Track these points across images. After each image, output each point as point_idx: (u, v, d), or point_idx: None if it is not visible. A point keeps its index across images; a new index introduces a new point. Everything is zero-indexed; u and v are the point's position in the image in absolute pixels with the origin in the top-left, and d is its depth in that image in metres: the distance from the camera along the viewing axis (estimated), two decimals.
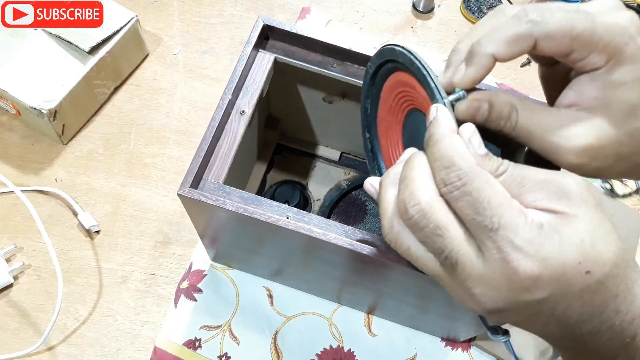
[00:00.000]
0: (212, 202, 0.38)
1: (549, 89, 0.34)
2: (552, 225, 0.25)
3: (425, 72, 0.30)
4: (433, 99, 0.30)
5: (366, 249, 0.38)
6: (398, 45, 0.34)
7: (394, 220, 0.28)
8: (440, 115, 0.28)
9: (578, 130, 0.29)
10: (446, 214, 0.26)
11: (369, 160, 0.45)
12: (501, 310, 0.26)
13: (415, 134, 0.37)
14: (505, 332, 0.38)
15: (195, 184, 0.40)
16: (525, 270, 0.24)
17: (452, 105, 0.30)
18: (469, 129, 0.28)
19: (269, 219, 0.38)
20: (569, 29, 0.28)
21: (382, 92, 0.39)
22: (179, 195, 0.39)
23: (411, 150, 0.31)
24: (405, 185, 0.27)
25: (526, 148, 0.40)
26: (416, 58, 0.31)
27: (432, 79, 0.30)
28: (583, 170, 0.30)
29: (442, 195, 0.26)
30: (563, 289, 0.25)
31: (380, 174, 0.43)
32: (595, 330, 0.27)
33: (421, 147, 0.32)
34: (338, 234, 0.39)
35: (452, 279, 0.27)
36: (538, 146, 0.30)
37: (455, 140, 0.27)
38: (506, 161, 0.27)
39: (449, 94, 0.30)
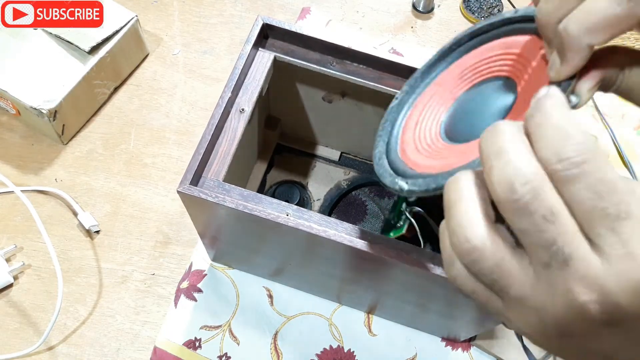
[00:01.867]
0: (212, 199, 0.38)
1: None
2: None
3: None
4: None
5: (366, 246, 0.38)
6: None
7: (482, 221, 0.22)
8: (556, 93, 0.22)
9: None
10: (557, 197, 0.20)
11: (413, 77, 0.39)
12: (610, 324, 0.21)
13: (481, 100, 0.33)
14: None
15: (195, 181, 0.40)
16: None
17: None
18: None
19: (268, 216, 0.38)
20: None
21: (498, 40, 0.34)
22: (178, 192, 0.39)
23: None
24: (506, 160, 0.21)
25: None
26: None
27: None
28: None
29: (557, 176, 0.20)
30: None
31: (408, 98, 0.38)
32: None
33: (477, 109, 0.29)
34: (338, 231, 0.39)
35: (550, 289, 0.21)
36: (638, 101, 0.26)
37: (570, 113, 0.21)
38: None
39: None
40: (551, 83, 0.26)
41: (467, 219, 0.22)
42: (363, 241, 0.38)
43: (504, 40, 0.33)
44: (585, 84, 0.25)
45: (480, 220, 0.22)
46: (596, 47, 0.24)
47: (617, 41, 0.71)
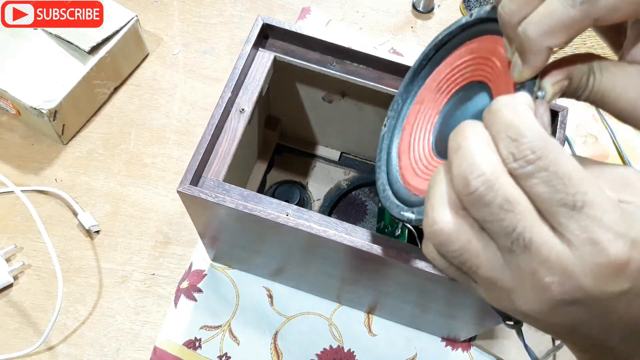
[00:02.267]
0: (212, 199, 0.38)
1: (608, 39, 0.29)
2: (631, 211, 0.22)
3: None
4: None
5: (366, 246, 0.38)
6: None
7: (447, 207, 0.23)
8: (519, 93, 0.24)
9: None
10: (514, 187, 0.22)
11: (395, 102, 0.39)
12: (572, 303, 0.22)
13: (462, 108, 0.33)
14: (519, 320, 0.34)
15: (195, 181, 0.40)
16: (617, 253, 0.21)
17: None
18: (540, 105, 0.24)
19: (268, 216, 0.38)
20: None
21: (461, 47, 0.34)
22: (178, 192, 0.39)
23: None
24: (462, 156, 0.22)
25: None
26: None
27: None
28: None
29: (514, 173, 0.22)
30: None
31: (396, 121, 0.38)
32: None
33: (456, 120, 0.29)
34: (338, 231, 0.39)
35: (516, 272, 0.23)
36: (612, 109, 0.26)
37: (523, 108, 0.22)
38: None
39: None
40: (516, 82, 0.26)
41: (436, 203, 0.23)
42: (363, 241, 0.38)
43: (468, 46, 0.33)
44: (550, 79, 0.25)
45: (446, 205, 0.23)
46: (556, 48, 0.25)
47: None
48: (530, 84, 0.25)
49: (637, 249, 0.21)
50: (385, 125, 0.39)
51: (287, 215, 0.39)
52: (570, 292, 0.22)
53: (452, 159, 0.23)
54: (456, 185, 0.23)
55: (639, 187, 0.23)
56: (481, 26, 0.32)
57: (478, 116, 0.30)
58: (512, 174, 0.22)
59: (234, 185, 0.40)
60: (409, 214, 0.31)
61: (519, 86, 0.26)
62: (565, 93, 0.26)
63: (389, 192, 0.35)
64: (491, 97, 0.30)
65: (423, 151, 0.35)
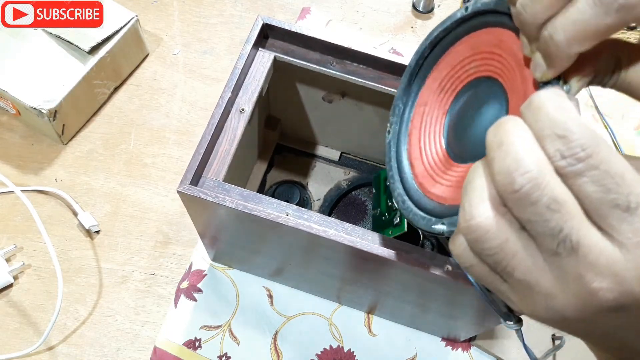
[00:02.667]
0: (212, 199, 0.38)
1: None
2: None
3: None
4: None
5: (366, 246, 0.38)
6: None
7: (488, 203, 0.22)
8: (554, 90, 0.22)
9: None
10: (562, 186, 0.21)
11: (395, 106, 0.38)
12: (618, 309, 0.21)
13: (473, 106, 0.32)
14: (519, 320, 0.33)
15: (195, 181, 0.40)
16: None
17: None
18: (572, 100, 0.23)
19: (268, 216, 0.38)
20: None
21: (459, 43, 0.33)
22: (178, 192, 0.39)
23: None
24: (506, 151, 0.21)
25: None
26: None
27: None
28: None
29: (561, 172, 0.21)
30: None
31: (400, 127, 0.37)
32: None
33: (474, 121, 0.28)
34: (338, 231, 0.39)
35: (559, 277, 0.22)
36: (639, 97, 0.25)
37: (568, 104, 0.21)
38: None
39: None
40: (539, 81, 0.25)
41: (475, 197, 0.22)
42: (363, 241, 0.38)
43: (467, 41, 0.32)
44: (575, 76, 0.24)
45: (486, 200, 0.22)
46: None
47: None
48: (554, 80, 0.24)
49: None
50: (389, 131, 0.38)
51: (287, 215, 0.39)
52: (619, 298, 0.21)
53: (494, 155, 0.22)
54: (499, 182, 0.21)
55: None
56: (478, 19, 0.31)
57: (496, 114, 0.29)
58: (560, 173, 0.21)
59: (233, 185, 0.40)
60: (440, 227, 0.29)
61: (542, 83, 0.24)
62: (590, 82, 0.25)
63: (409, 203, 0.33)
64: (505, 93, 0.29)
65: (437, 156, 0.34)
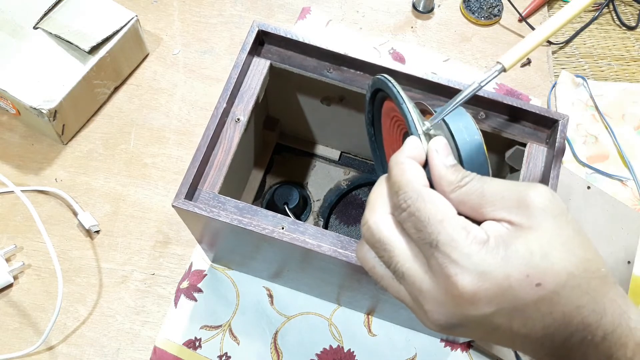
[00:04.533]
0: (207, 214, 0.38)
1: None
2: (501, 239, 0.25)
3: (402, 102, 0.31)
4: (409, 129, 0.31)
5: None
6: (383, 75, 0.35)
7: (362, 241, 0.30)
8: (406, 144, 0.29)
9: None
10: (392, 230, 0.27)
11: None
12: (455, 326, 0.26)
13: None
14: None
15: (190, 194, 0.40)
16: (464, 285, 0.24)
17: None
18: (440, 142, 0.29)
19: (263, 231, 0.38)
20: None
21: (382, 115, 0.40)
22: (173, 206, 0.39)
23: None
24: (366, 207, 0.29)
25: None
26: (394, 87, 0.33)
27: (409, 110, 0.31)
28: None
29: (397, 219, 0.28)
30: (513, 303, 0.24)
31: None
32: (567, 344, 0.26)
33: None
34: (333, 245, 0.38)
35: (412, 298, 0.28)
36: None
37: (407, 166, 0.28)
38: (473, 174, 0.27)
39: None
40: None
41: (371, 205, 0.29)
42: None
43: (384, 112, 0.40)
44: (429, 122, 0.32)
45: (380, 207, 0.29)
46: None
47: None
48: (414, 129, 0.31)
49: (488, 279, 0.24)
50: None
51: (283, 228, 0.39)
52: (445, 318, 0.26)
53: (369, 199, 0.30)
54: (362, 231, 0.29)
55: (534, 209, 0.25)
56: (378, 96, 0.39)
57: None
58: (398, 221, 0.27)
59: (229, 198, 0.40)
60: None
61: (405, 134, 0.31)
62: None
63: None
64: None
65: None
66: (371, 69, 0.46)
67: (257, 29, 0.45)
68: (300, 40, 0.45)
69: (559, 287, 0.24)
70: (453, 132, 0.33)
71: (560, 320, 0.25)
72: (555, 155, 0.42)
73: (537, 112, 0.44)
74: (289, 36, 0.45)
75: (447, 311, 0.26)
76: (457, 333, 0.28)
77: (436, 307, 0.26)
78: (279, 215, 0.40)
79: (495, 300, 0.24)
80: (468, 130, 0.33)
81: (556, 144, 0.43)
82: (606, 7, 0.80)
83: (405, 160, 0.28)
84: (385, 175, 0.29)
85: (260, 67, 0.46)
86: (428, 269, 0.26)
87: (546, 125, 0.45)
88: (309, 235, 0.39)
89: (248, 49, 0.44)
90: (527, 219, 0.25)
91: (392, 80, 0.34)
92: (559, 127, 0.43)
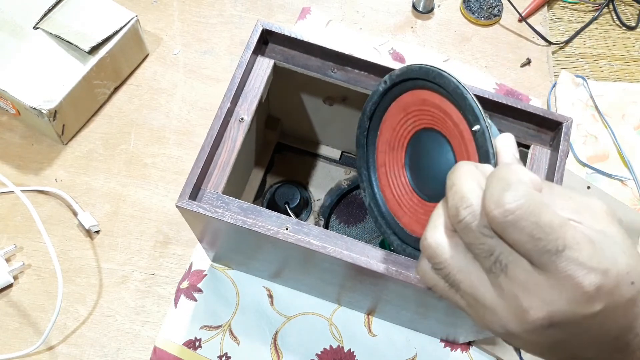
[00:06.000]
0: (211, 215, 0.38)
1: None
2: (599, 240, 0.25)
3: (466, 93, 0.31)
4: (476, 121, 0.31)
5: (366, 262, 0.38)
6: (432, 66, 0.35)
7: (441, 228, 0.28)
8: (505, 141, 0.29)
9: None
10: (456, 250, 0.27)
11: (361, 174, 0.44)
12: (550, 326, 0.25)
13: (424, 154, 0.38)
14: None
15: (194, 194, 0.40)
16: (590, 284, 0.24)
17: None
18: (510, 138, 0.29)
19: (267, 232, 0.38)
20: None
21: (390, 109, 0.40)
22: (177, 207, 0.39)
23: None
24: (455, 191, 0.27)
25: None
26: (460, 82, 0.32)
27: (475, 103, 0.31)
28: None
29: (493, 219, 0.25)
30: (616, 300, 0.25)
31: (372, 189, 0.43)
32: (626, 345, 0.27)
33: (431, 166, 0.33)
34: (338, 247, 0.38)
35: (499, 293, 0.26)
36: None
37: (517, 166, 0.26)
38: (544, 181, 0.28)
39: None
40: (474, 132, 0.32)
41: (431, 224, 0.28)
42: (363, 257, 0.38)
43: (396, 106, 0.39)
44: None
45: (440, 227, 0.28)
46: None
47: None
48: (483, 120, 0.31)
49: (608, 276, 0.24)
50: (364, 196, 0.43)
51: (287, 229, 0.39)
52: (548, 317, 0.25)
53: (448, 194, 0.27)
54: (450, 214, 0.27)
55: (601, 214, 0.26)
56: (398, 87, 0.38)
57: (446, 156, 0.35)
58: (497, 222, 0.25)
59: (233, 198, 0.40)
60: None
61: (472, 130, 0.31)
62: None
63: (409, 248, 0.38)
64: (444, 137, 0.35)
65: (413, 203, 0.39)
66: (376, 69, 0.46)
67: (261, 28, 0.45)
68: (305, 40, 0.45)
69: None
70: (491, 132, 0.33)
71: (631, 319, 0.26)
72: (559, 158, 0.42)
73: (541, 114, 0.44)
74: (293, 35, 0.45)
75: (554, 308, 0.25)
76: (540, 335, 0.26)
77: (541, 304, 0.25)
78: (283, 215, 0.40)
79: (606, 297, 0.25)
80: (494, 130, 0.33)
81: (560, 147, 0.42)
82: (606, 7, 0.80)
83: (514, 160, 0.28)
84: (464, 162, 0.28)
85: (264, 67, 0.46)
86: (528, 264, 0.25)
87: (550, 127, 0.45)
88: (313, 236, 0.39)
89: (252, 48, 0.44)
90: (599, 223, 0.26)
91: (448, 72, 0.33)
92: (563, 130, 0.43)
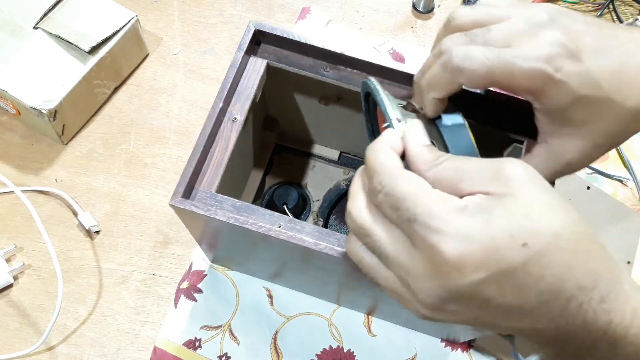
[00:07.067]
0: (203, 212, 0.38)
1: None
2: (480, 206, 0.25)
3: (377, 93, 0.33)
4: (384, 117, 0.32)
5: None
6: (369, 79, 0.36)
7: (350, 234, 0.30)
8: (382, 133, 0.31)
9: None
10: (373, 217, 0.28)
11: None
12: (445, 303, 0.25)
13: None
14: None
15: (187, 193, 0.40)
16: (448, 250, 0.24)
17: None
18: (415, 125, 0.32)
19: (260, 229, 0.38)
20: (488, 77, 0.30)
21: (378, 119, 0.41)
22: (170, 205, 0.39)
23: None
24: (348, 199, 0.30)
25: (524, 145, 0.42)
26: (372, 83, 0.34)
27: (382, 99, 0.33)
28: None
29: (375, 204, 0.28)
30: (501, 267, 0.24)
31: None
32: (565, 313, 0.25)
33: None
34: (331, 244, 0.38)
35: (401, 283, 0.27)
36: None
37: (380, 152, 0.28)
38: (448, 154, 0.28)
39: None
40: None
41: (352, 196, 0.30)
42: None
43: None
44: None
45: (360, 196, 0.29)
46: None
47: None
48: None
49: (473, 242, 0.24)
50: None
51: (280, 226, 0.39)
52: (434, 293, 0.25)
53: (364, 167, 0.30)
54: (367, 189, 0.29)
55: (510, 179, 0.25)
56: (370, 99, 0.40)
57: None
58: (376, 205, 0.28)
59: (226, 196, 0.40)
60: None
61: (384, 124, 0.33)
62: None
63: None
64: None
65: None
66: (367, 67, 0.45)
67: (253, 29, 0.45)
68: (297, 39, 0.45)
69: (546, 247, 0.24)
70: (436, 121, 0.34)
71: (553, 283, 0.24)
72: None
73: None
74: (285, 35, 0.45)
75: (434, 285, 0.25)
76: (449, 315, 0.26)
77: (423, 283, 0.25)
78: (276, 213, 0.40)
79: (482, 264, 0.24)
80: (452, 118, 0.34)
81: None
82: (606, 8, 0.80)
83: (378, 146, 0.29)
84: (363, 166, 0.30)
85: (257, 67, 0.46)
86: (411, 246, 0.26)
87: None
88: (306, 233, 0.39)
89: (244, 49, 0.44)
90: (505, 187, 0.25)
91: (371, 78, 0.35)
92: None
